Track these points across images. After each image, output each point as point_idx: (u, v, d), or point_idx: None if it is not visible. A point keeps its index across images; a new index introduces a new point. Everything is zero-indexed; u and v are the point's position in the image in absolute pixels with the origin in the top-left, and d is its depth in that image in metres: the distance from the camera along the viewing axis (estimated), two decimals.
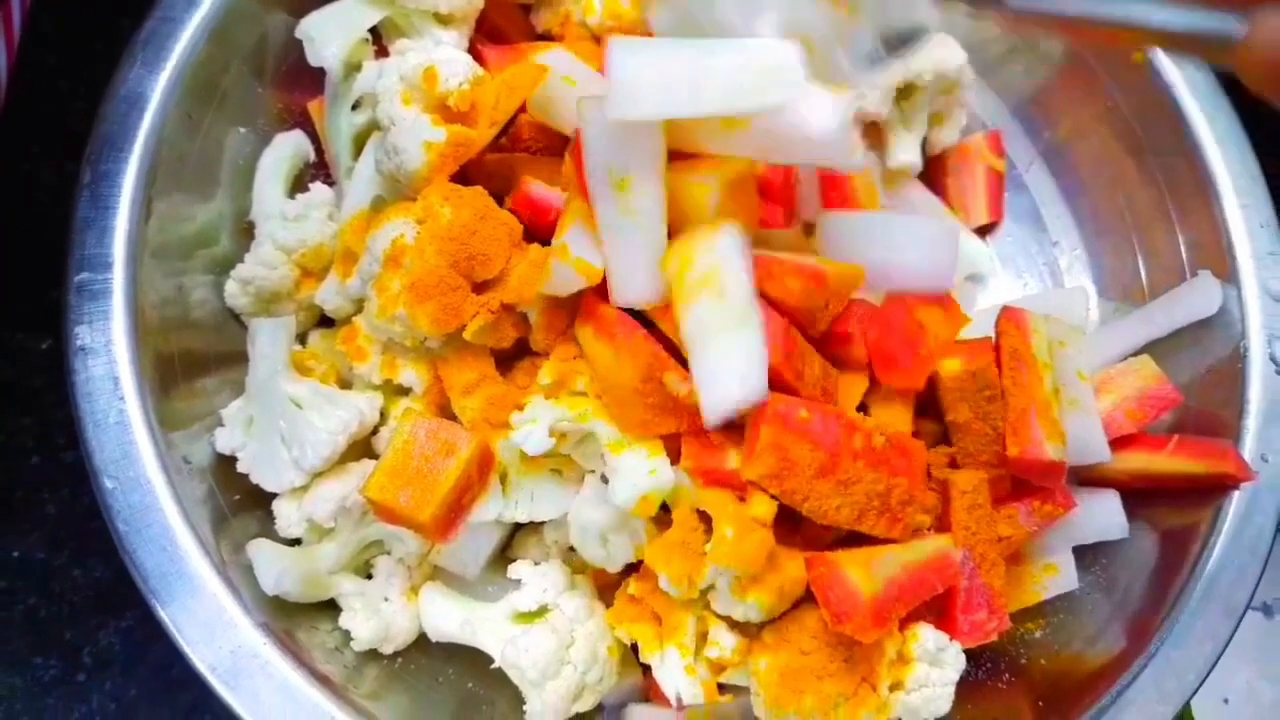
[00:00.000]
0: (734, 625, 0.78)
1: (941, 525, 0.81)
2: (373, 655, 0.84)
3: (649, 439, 0.77)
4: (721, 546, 0.72)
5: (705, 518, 0.75)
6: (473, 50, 0.95)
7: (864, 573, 0.73)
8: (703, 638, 0.79)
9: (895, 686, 0.77)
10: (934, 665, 0.77)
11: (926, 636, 0.78)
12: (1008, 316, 0.88)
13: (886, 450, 0.75)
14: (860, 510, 0.75)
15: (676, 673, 0.78)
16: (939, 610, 0.81)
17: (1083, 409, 0.88)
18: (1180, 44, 0.62)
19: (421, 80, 0.82)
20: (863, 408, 0.83)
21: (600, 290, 0.80)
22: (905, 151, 1.04)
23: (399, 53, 0.92)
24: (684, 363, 0.76)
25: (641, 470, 0.75)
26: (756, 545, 0.72)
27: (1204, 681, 0.81)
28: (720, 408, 0.71)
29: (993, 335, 0.89)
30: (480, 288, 0.80)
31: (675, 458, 0.77)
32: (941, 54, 1.01)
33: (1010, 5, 0.68)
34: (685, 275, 0.72)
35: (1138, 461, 0.90)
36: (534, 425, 0.77)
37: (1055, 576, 0.89)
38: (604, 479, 0.80)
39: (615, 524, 0.78)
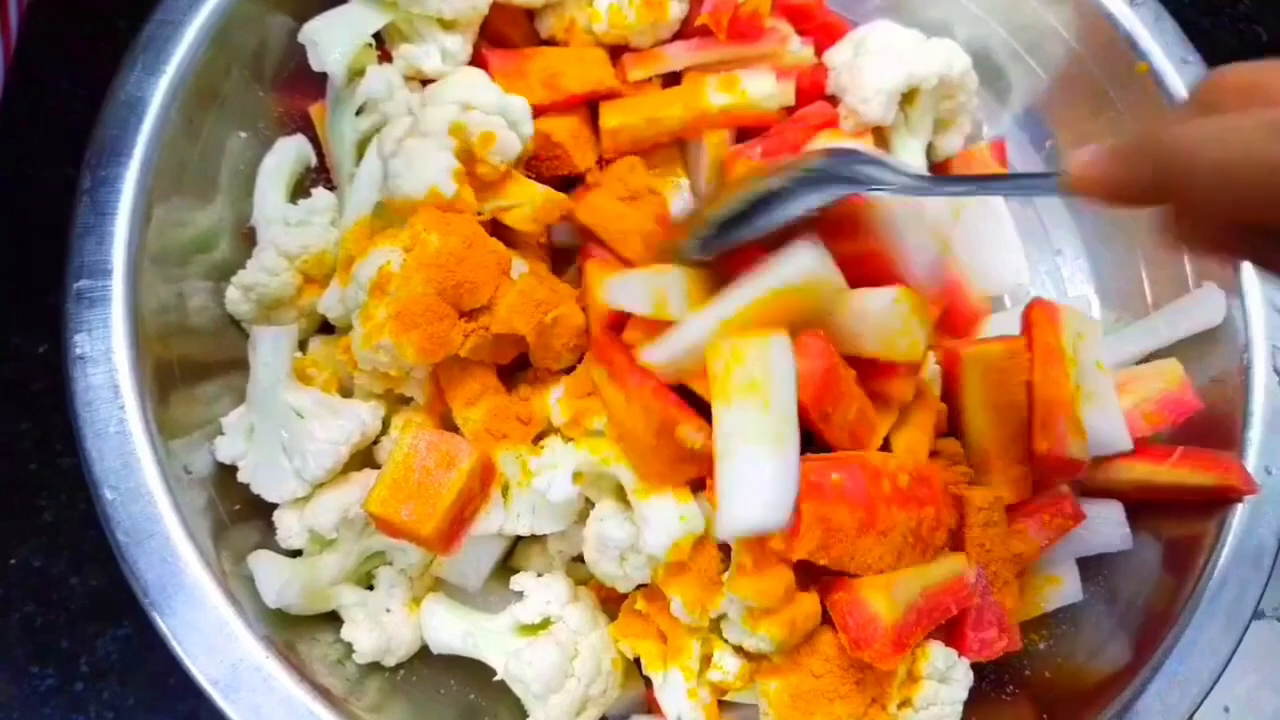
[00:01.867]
0: (740, 650, 0.77)
1: (954, 541, 0.80)
2: (374, 667, 0.84)
3: (673, 486, 0.76)
4: (740, 578, 0.72)
5: (724, 546, 0.75)
6: (476, 55, 0.94)
7: (884, 598, 0.72)
8: (707, 660, 0.78)
9: (904, 704, 0.77)
10: (943, 683, 0.77)
11: (936, 654, 0.77)
12: (1041, 309, 0.87)
13: (912, 486, 0.75)
14: (899, 551, 0.74)
15: (679, 696, 0.78)
16: (949, 627, 0.80)
17: (1101, 400, 0.88)
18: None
19: (477, 141, 0.81)
20: None
21: (612, 328, 0.79)
22: (909, 157, 1.04)
23: (403, 58, 0.92)
24: (698, 408, 0.74)
25: (672, 517, 0.75)
26: (775, 579, 0.72)
27: (1208, 695, 0.81)
28: (738, 527, 0.69)
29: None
30: (469, 316, 0.79)
31: (701, 486, 0.76)
32: (945, 59, 1.01)
33: None
34: (731, 372, 0.70)
35: (1141, 473, 0.90)
36: (555, 471, 0.77)
37: (1059, 588, 0.89)
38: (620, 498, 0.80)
39: (636, 544, 0.78)
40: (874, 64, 0.99)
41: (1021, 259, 1.02)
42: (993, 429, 0.85)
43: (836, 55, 1.03)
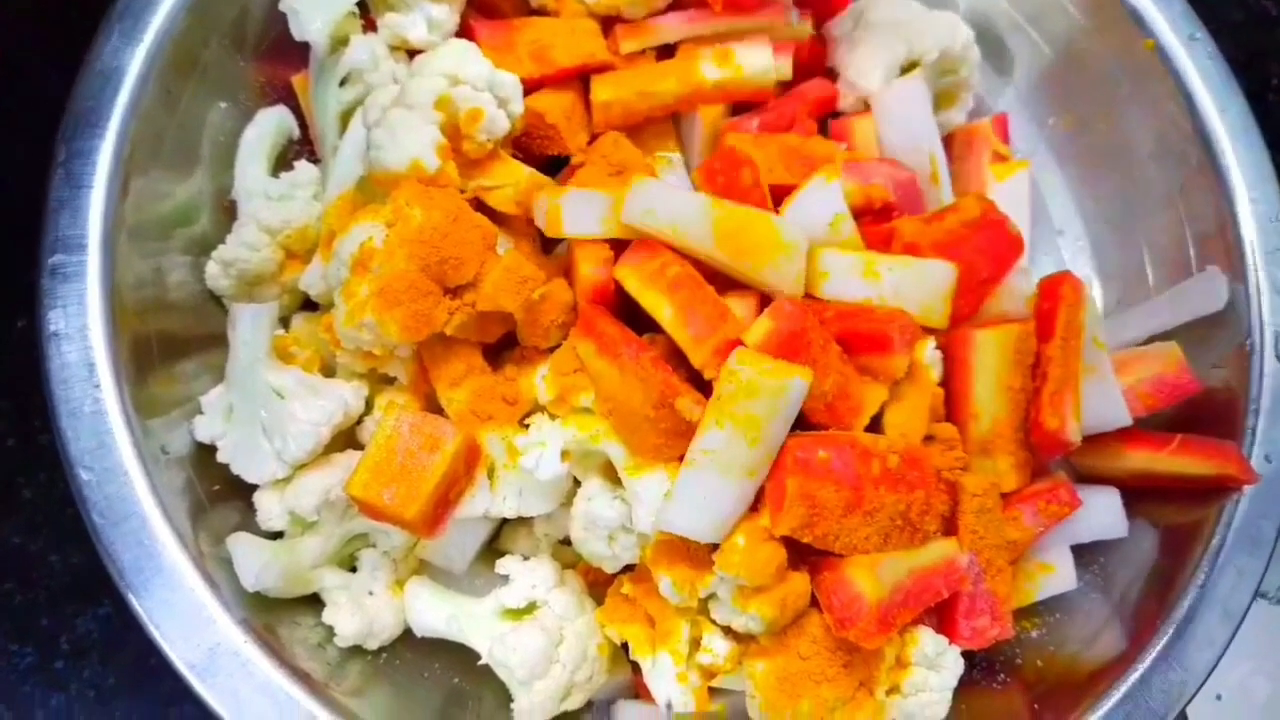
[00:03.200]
0: (728, 632, 0.76)
1: (949, 526, 0.79)
2: (356, 651, 0.82)
3: (666, 461, 0.75)
4: (732, 554, 0.71)
5: None
6: (464, 25, 0.92)
7: (870, 577, 0.71)
8: (695, 643, 0.77)
9: (892, 690, 0.76)
10: (932, 669, 0.76)
11: (925, 641, 0.76)
12: (1071, 285, 0.86)
13: (901, 468, 0.73)
14: (885, 533, 0.73)
15: (668, 680, 0.77)
16: (940, 614, 0.79)
17: (1099, 376, 0.87)
18: None
19: (465, 116, 0.79)
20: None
21: (599, 301, 0.77)
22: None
23: (388, 27, 0.89)
24: (693, 380, 0.74)
25: (663, 493, 0.73)
26: (768, 556, 0.71)
27: (1202, 686, 0.80)
28: (674, 528, 0.71)
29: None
30: (454, 293, 0.77)
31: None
32: (947, 31, 0.98)
33: None
34: (739, 400, 0.70)
35: (1139, 460, 0.88)
36: (543, 449, 0.76)
37: (1052, 576, 0.88)
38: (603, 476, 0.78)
39: (626, 523, 0.76)
40: (873, 36, 0.97)
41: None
42: (1006, 411, 0.84)
43: (836, 27, 1.01)
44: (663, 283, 0.76)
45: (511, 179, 0.82)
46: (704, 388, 0.75)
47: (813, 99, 0.98)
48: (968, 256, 0.84)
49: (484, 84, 0.81)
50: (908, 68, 0.98)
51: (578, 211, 0.79)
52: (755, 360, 0.71)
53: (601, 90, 0.90)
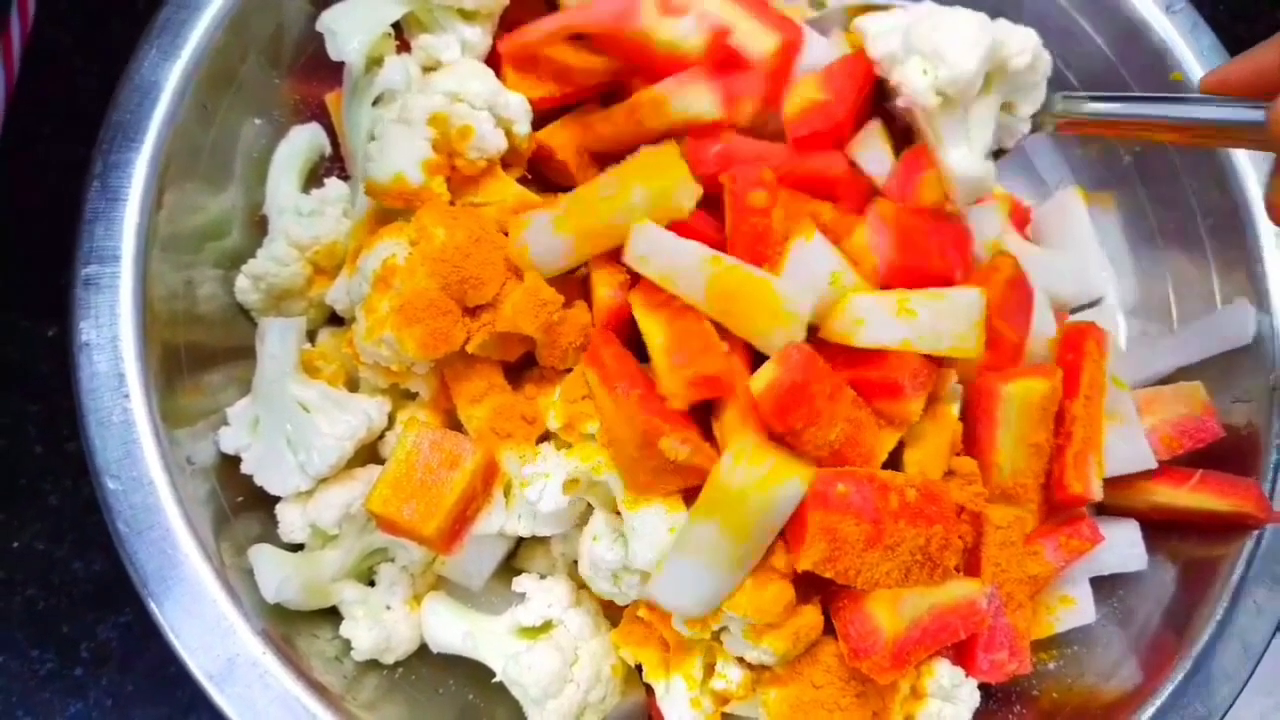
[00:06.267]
0: (742, 660, 0.76)
1: (970, 560, 0.79)
2: (372, 664, 0.83)
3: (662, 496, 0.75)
4: (739, 595, 0.71)
5: None
6: (494, 48, 0.93)
7: (889, 611, 0.71)
8: (709, 668, 0.77)
9: None
10: (947, 701, 0.76)
11: (941, 672, 0.76)
12: (1095, 338, 0.85)
13: (920, 502, 0.73)
14: (906, 568, 0.73)
15: (681, 705, 0.77)
16: (958, 646, 0.79)
17: (1122, 420, 0.87)
18: (1218, 135, 0.77)
19: (455, 133, 0.80)
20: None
21: (614, 325, 0.78)
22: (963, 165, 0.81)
23: (422, 48, 0.90)
24: (698, 412, 0.73)
25: (661, 529, 0.73)
26: (774, 596, 0.71)
27: None
28: (660, 600, 0.73)
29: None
30: (473, 313, 0.78)
31: (693, 495, 0.74)
32: (1035, 41, 0.78)
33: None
34: (737, 486, 0.70)
35: (1160, 495, 0.88)
36: (547, 480, 0.76)
37: (1072, 609, 0.87)
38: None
39: (627, 562, 0.76)
40: (955, 24, 0.75)
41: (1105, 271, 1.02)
42: (1027, 462, 0.84)
43: (881, 45, 0.80)
44: (665, 312, 0.76)
45: (499, 196, 0.83)
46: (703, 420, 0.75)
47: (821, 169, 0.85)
48: (926, 244, 0.80)
49: (483, 103, 0.81)
50: (992, 71, 0.78)
51: (538, 241, 0.78)
52: (754, 458, 0.70)
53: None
